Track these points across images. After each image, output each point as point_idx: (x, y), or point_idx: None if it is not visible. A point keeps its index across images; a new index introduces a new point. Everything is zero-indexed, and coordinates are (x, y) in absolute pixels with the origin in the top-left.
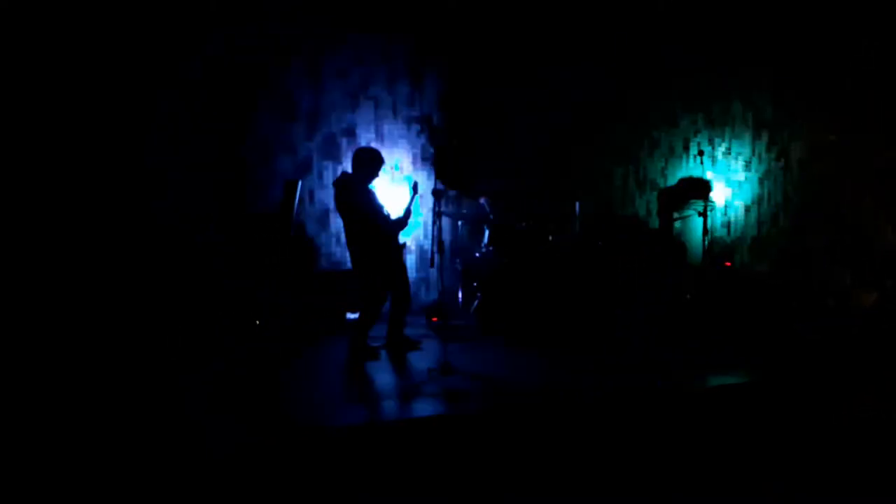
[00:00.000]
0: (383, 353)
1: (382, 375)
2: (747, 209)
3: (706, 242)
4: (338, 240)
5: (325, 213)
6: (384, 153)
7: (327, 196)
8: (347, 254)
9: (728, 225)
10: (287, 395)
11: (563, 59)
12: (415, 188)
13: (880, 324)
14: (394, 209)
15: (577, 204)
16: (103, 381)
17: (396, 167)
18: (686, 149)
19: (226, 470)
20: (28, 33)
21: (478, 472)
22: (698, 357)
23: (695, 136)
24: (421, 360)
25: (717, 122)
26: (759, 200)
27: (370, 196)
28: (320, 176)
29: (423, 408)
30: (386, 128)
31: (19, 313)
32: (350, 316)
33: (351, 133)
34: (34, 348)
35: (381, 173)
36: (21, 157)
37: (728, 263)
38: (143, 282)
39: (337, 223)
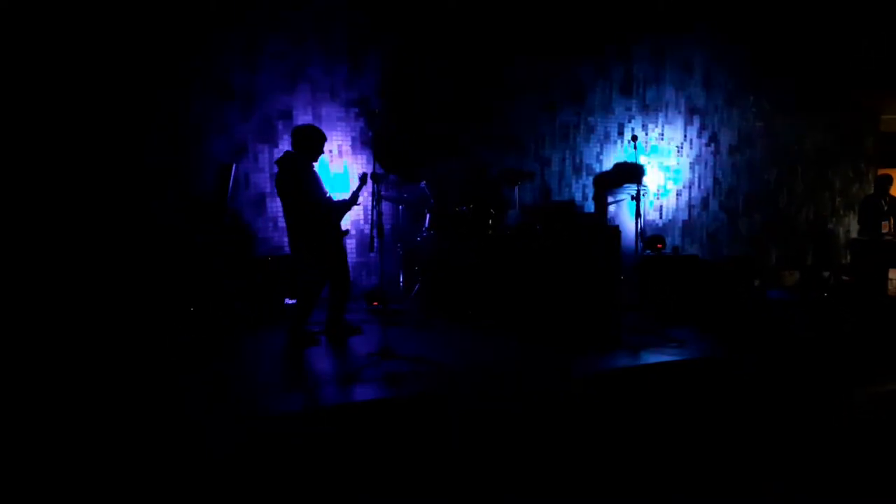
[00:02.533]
0: (323, 338)
1: (323, 361)
2: (678, 193)
3: (639, 226)
4: (275, 225)
5: (262, 198)
6: None
7: (263, 180)
8: (285, 239)
9: (660, 208)
10: (224, 384)
11: (502, 45)
12: (363, 179)
13: (805, 300)
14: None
15: (517, 188)
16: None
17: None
18: (621, 134)
19: (166, 462)
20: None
21: (418, 455)
22: (638, 337)
23: (629, 122)
24: (362, 345)
25: (651, 108)
26: (689, 184)
27: (315, 176)
28: (256, 159)
29: (364, 392)
30: (324, 110)
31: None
32: (289, 302)
33: (287, 115)
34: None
35: (322, 152)
36: None
37: (660, 246)
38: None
39: (273, 208)
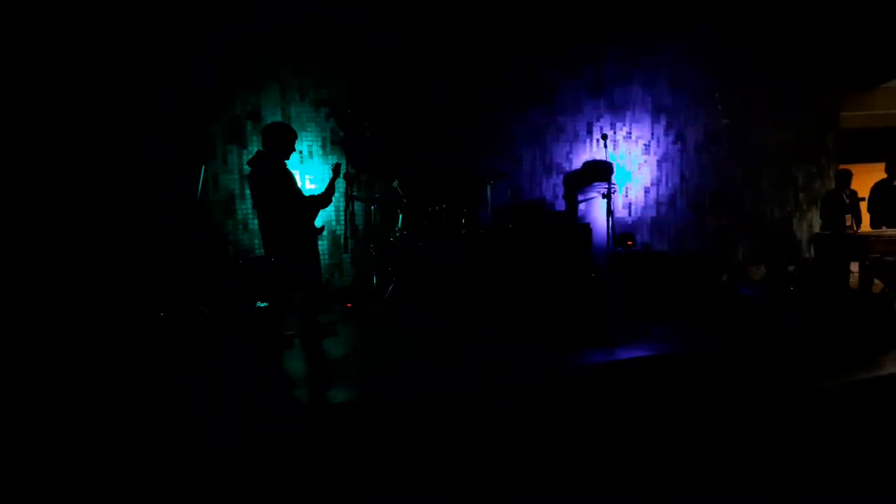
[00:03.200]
0: (297, 341)
1: (297, 363)
2: (647, 191)
3: (610, 223)
4: (245, 227)
5: (231, 199)
6: None
7: (232, 182)
8: (256, 241)
9: (629, 206)
10: (196, 391)
11: (474, 43)
12: (335, 170)
13: (770, 294)
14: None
15: (488, 188)
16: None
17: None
18: (590, 133)
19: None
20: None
21: (399, 458)
22: (613, 332)
23: (598, 120)
24: (337, 347)
25: (619, 107)
26: (657, 182)
27: (287, 174)
28: (224, 161)
29: (339, 394)
30: (293, 111)
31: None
32: (260, 305)
33: (256, 116)
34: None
35: (294, 149)
36: None
37: (630, 243)
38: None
39: (244, 209)
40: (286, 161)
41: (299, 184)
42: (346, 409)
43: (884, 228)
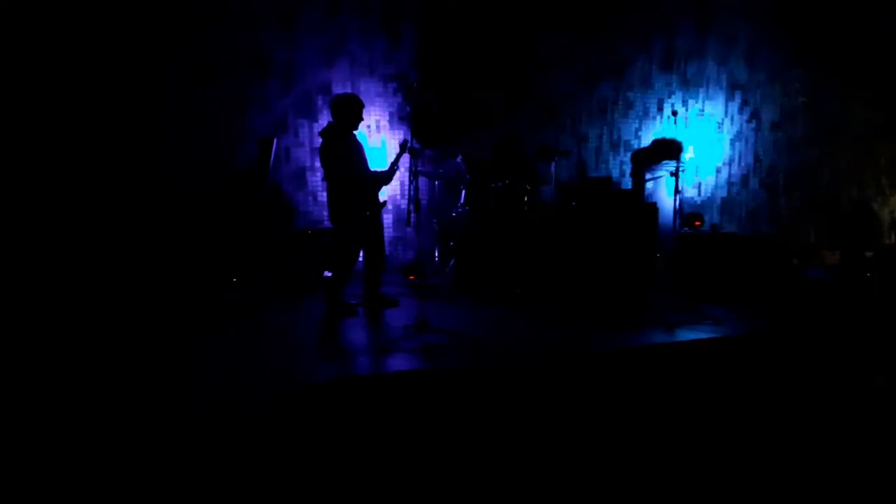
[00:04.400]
0: (360, 310)
1: (360, 332)
2: (718, 170)
3: (677, 203)
4: (315, 199)
5: (302, 172)
6: None
7: (304, 154)
8: (325, 212)
9: (699, 185)
10: (264, 354)
11: (541, 20)
12: (403, 146)
13: (844, 280)
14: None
15: (553, 164)
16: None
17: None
18: (660, 110)
19: (207, 435)
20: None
21: (456, 428)
22: (674, 314)
23: (669, 97)
24: (398, 318)
25: (692, 84)
26: (729, 161)
27: (355, 145)
28: (296, 134)
29: (400, 363)
30: (362, 85)
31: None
32: (327, 274)
33: (326, 90)
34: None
35: (362, 119)
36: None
37: (698, 223)
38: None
39: (314, 182)
40: (355, 132)
41: (368, 156)
42: (395, 379)
43: None
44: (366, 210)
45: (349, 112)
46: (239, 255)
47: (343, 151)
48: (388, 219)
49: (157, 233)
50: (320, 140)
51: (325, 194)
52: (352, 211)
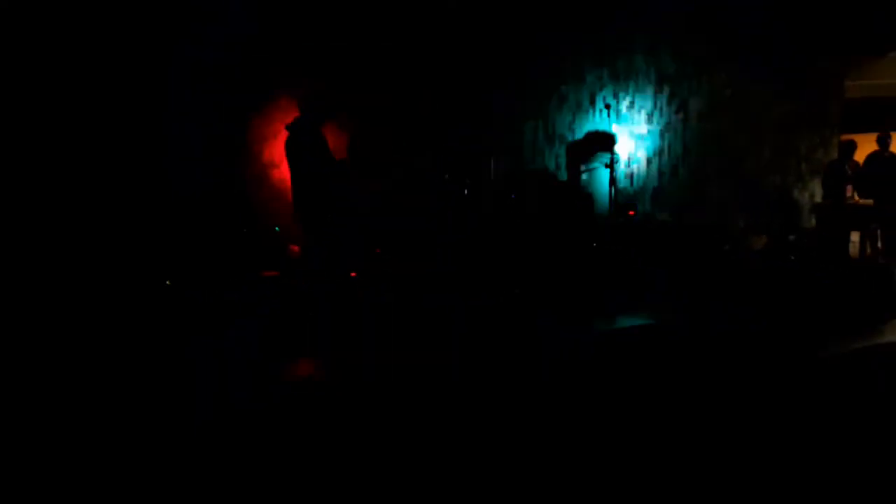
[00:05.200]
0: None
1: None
2: (649, 161)
3: (612, 193)
4: None
5: None
6: None
7: None
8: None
9: (631, 176)
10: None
11: (475, 15)
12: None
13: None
14: None
15: (492, 159)
16: None
17: None
18: (592, 103)
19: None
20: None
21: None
22: (611, 302)
23: (600, 90)
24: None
25: (622, 77)
26: (660, 152)
27: (322, 141)
28: None
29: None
30: None
31: None
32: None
33: None
34: None
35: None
36: None
37: (632, 213)
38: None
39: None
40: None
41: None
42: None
43: None
44: (324, 207)
45: (315, 106)
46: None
47: (307, 146)
48: None
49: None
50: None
51: None
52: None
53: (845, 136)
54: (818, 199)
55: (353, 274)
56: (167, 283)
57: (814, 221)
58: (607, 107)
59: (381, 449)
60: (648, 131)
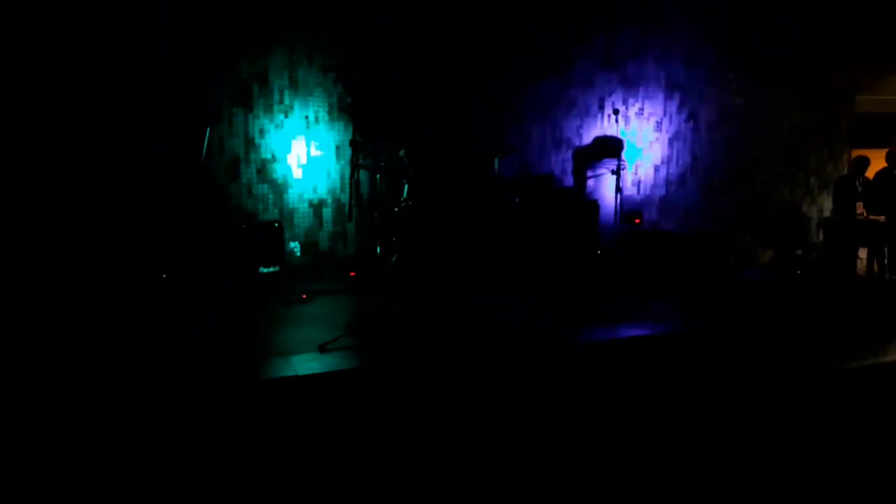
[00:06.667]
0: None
1: (299, 329)
2: (657, 169)
3: (618, 200)
4: (249, 191)
5: (236, 163)
6: (298, 102)
7: (238, 144)
8: (259, 206)
9: (638, 184)
10: (194, 350)
11: (484, 14)
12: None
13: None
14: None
15: (496, 161)
16: None
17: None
18: (601, 108)
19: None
20: None
21: (395, 427)
22: (615, 310)
23: (610, 95)
24: (339, 314)
25: (631, 83)
26: (668, 160)
27: None
28: (230, 124)
29: (340, 361)
30: (301, 75)
31: None
32: (263, 270)
33: (263, 79)
34: None
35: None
36: None
37: (637, 221)
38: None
39: (248, 174)
40: None
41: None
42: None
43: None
44: None
45: None
46: (171, 251)
47: None
48: (328, 213)
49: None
50: (259, 130)
51: (260, 186)
52: None
53: (856, 152)
54: (827, 213)
55: (352, 273)
56: (163, 276)
57: (822, 236)
58: (615, 112)
59: (380, 448)
60: (657, 139)
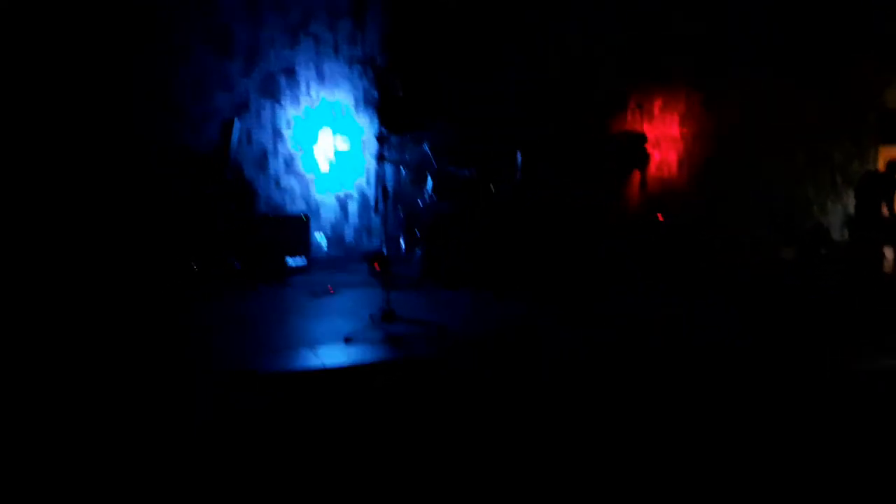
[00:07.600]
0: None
1: (323, 321)
2: (679, 164)
3: (640, 196)
4: (277, 183)
5: (264, 155)
6: (325, 94)
7: (266, 136)
8: (286, 197)
9: (660, 179)
10: (221, 341)
11: (510, 7)
12: None
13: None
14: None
15: (519, 153)
16: None
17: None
18: (622, 103)
19: (157, 418)
20: None
21: (419, 417)
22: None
23: (628, 90)
24: (365, 307)
25: (650, 78)
26: (689, 156)
27: None
28: (258, 115)
29: (364, 353)
30: (327, 67)
31: None
32: (289, 260)
33: (290, 72)
34: None
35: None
36: None
37: (660, 216)
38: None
39: (276, 165)
40: None
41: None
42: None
43: None
44: None
45: None
46: (199, 242)
47: None
48: (354, 206)
49: (115, 219)
50: (286, 122)
51: (288, 178)
52: None
53: (884, 148)
54: (851, 211)
55: (376, 265)
56: (194, 266)
57: (846, 234)
58: (636, 108)
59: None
60: (680, 134)
